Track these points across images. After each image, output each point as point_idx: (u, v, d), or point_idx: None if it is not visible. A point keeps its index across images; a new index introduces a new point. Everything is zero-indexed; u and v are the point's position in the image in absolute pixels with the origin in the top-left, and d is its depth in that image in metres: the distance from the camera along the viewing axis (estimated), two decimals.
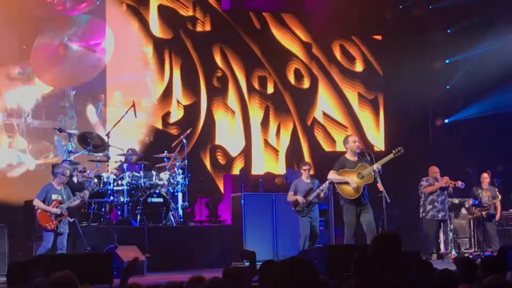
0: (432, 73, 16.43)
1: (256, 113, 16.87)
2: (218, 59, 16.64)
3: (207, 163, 16.28)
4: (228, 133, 16.69)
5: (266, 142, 16.84)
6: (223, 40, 16.69)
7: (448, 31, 16.95)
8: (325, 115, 17.35)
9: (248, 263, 9.97)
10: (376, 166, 10.61)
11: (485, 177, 14.08)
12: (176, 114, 16.10)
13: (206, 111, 16.41)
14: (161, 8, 16.23)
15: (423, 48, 16.65)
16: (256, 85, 16.91)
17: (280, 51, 17.11)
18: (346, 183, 10.71)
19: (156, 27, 16.13)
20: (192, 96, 16.25)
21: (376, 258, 4.72)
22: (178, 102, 16.12)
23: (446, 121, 17.18)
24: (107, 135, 13.16)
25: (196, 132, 15.99)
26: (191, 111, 16.11)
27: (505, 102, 15.73)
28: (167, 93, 16.12)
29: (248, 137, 16.71)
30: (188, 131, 13.89)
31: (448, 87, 16.92)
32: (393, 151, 10.75)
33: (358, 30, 17.31)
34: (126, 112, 13.54)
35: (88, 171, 12.66)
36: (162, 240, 12.05)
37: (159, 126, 15.90)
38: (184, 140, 13.43)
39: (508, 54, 15.49)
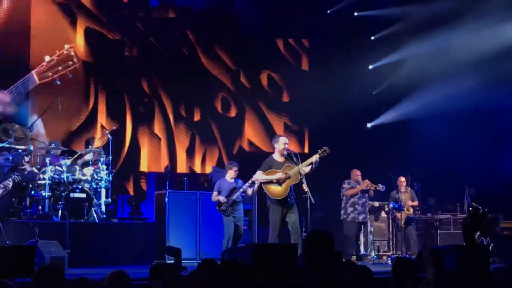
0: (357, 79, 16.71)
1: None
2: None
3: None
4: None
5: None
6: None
7: (372, 38, 17.32)
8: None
9: (171, 261, 9.96)
10: (303, 166, 10.73)
11: (402, 180, 14.41)
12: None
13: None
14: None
15: (349, 53, 16.91)
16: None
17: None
18: (273, 182, 10.80)
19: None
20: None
21: (309, 255, 4.80)
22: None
23: (369, 125, 17.53)
24: (30, 127, 12.85)
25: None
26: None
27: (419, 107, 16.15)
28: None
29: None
30: (114, 127, 13.69)
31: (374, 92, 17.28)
32: (319, 150, 10.88)
33: (286, 32, 17.51)
34: (50, 105, 13.24)
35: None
36: (84, 236, 11.85)
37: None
38: (109, 136, 13.25)
39: (425, 61, 15.93)
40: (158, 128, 16.57)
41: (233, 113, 17.44)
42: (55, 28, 15.24)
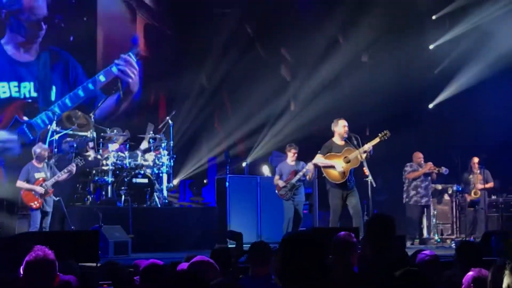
0: None
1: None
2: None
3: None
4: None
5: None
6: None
7: (433, 17, 16.99)
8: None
9: (233, 245, 10.02)
10: (363, 149, 10.62)
11: (476, 161, 14.14)
12: None
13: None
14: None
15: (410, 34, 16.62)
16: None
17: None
18: (332, 167, 10.71)
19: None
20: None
21: (370, 238, 4.74)
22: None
23: (431, 106, 17.22)
24: (92, 114, 13.06)
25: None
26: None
27: None
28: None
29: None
30: (174, 112, 13.78)
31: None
32: (379, 134, 10.72)
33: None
34: (112, 93, 13.45)
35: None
36: (147, 221, 11.99)
37: None
38: (170, 122, 13.35)
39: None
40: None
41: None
42: None
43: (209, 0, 17.03)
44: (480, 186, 14.00)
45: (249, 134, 16.20)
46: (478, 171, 14.13)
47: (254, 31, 16.79)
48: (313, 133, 14.65)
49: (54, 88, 14.95)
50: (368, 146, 10.62)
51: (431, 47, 17.11)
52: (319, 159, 10.88)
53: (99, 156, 12.57)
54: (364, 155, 10.60)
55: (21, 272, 4.14)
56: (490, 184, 14.19)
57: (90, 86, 15.04)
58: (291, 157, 12.21)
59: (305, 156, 12.16)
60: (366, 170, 10.65)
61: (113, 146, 12.65)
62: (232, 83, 16.52)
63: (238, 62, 16.09)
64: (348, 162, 10.68)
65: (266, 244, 5.81)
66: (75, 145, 12.56)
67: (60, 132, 12.51)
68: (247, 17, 16.71)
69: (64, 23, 15.22)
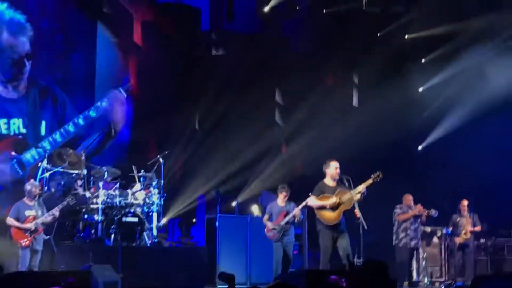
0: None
1: None
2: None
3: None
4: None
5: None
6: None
7: (423, 60, 17.20)
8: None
9: (223, 286, 9.96)
10: (357, 190, 10.62)
11: (465, 204, 14.21)
12: None
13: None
14: None
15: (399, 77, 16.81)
16: None
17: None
18: (326, 208, 10.71)
19: None
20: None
21: (362, 284, 4.75)
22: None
23: (420, 148, 17.35)
24: (83, 152, 13.06)
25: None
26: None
27: None
28: None
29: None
30: (166, 152, 13.78)
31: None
32: (372, 175, 10.70)
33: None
34: (104, 132, 13.47)
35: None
36: (136, 260, 11.91)
37: None
38: (161, 160, 13.34)
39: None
40: None
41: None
42: None
43: (203, 42, 17.19)
44: (470, 228, 14.04)
45: (240, 173, 16.21)
46: (468, 214, 14.18)
47: (248, 74, 16.88)
48: (304, 176, 14.70)
49: (43, 123, 14.93)
50: (362, 187, 10.63)
51: (420, 90, 17.31)
52: (313, 201, 10.87)
53: (88, 194, 12.53)
54: (357, 196, 10.60)
55: None
56: (478, 228, 14.26)
57: (81, 121, 15.02)
58: (282, 198, 12.22)
59: (295, 198, 12.17)
60: (357, 212, 10.64)
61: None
62: (224, 125, 16.60)
63: (231, 104, 16.21)
64: (342, 203, 10.68)
65: None
66: (62, 183, 12.53)
67: (51, 170, 12.48)
68: (241, 59, 16.83)
69: (53, 59, 15.28)
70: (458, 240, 14.04)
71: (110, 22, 16.09)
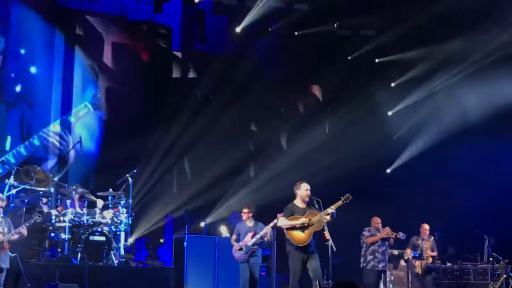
0: None
1: None
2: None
3: None
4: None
5: None
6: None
7: (392, 84, 17.39)
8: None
9: None
10: (327, 211, 10.61)
11: (426, 228, 14.24)
12: None
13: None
14: None
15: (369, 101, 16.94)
16: None
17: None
18: (296, 228, 10.67)
19: None
20: None
21: None
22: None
23: (388, 170, 17.48)
24: (52, 170, 12.93)
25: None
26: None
27: None
28: None
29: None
30: (135, 171, 13.70)
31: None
32: (342, 197, 10.67)
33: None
34: (73, 146, 13.34)
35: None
36: (103, 279, 11.77)
37: None
38: (130, 179, 13.25)
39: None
40: None
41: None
42: None
43: (174, 62, 17.18)
44: (430, 252, 14.07)
45: (209, 193, 16.17)
46: (428, 238, 14.24)
47: (222, 100, 16.88)
48: (276, 200, 14.70)
49: (9, 138, 14.78)
50: (331, 209, 10.62)
51: (389, 113, 17.47)
52: (282, 221, 10.83)
53: (55, 212, 12.37)
54: (327, 218, 10.59)
55: None
56: (435, 253, 14.26)
57: (45, 135, 14.92)
58: (245, 218, 12.24)
59: (265, 220, 12.16)
60: (326, 233, 10.55)
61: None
62: (194, 149, 16.57)
63: (203, 128, 16.22)
64: (312, 224, 10.65)
65: None
66: (26, 201, 12.35)
67: (18, 187, 12.32)
68: (215, 85, 16.84)
69: (19, 74, 15.17)
70: (423, 263, 14.01)
71: (83, 42, 16.06)
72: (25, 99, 15.20)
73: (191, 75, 17.42)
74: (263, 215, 12.45)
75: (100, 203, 12.92)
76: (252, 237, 11.99)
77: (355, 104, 16.56)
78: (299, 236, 10.66)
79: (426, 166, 16.52)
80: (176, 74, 17.40)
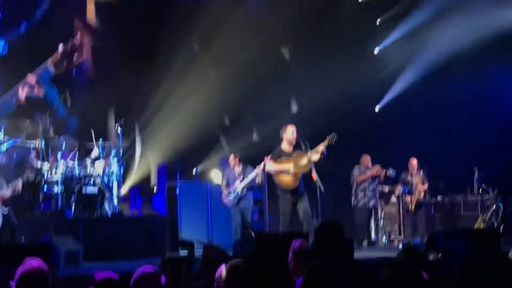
0: None
1: None
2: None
3: None
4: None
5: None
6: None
7: (377, 21, 17.29)
8: None
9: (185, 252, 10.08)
10: (316, 150, 10.66)
11: (414, 163, 14.27)
12: None
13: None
14: None
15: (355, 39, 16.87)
16: None
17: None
18: (284, 172, 10.79)
19: None
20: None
21: (319, 246, 4.86)
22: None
23: (377, 108, 17.52)
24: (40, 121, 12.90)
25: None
26: None
27: None
28: None
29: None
30: (122, 120, 13.66)
31: None
32: (327, 137, 10.73)
33: None
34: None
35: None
36: (97, 230, 11.90)
37: None
38: (120, 129, 13.28)
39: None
40: None
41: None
42: None
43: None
44: (420, 187, 14.15)
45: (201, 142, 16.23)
46: (417, 172, 14.28)
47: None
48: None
49: None
50: (321, 147, 10.67)
51: (376, 51, 17.42)
52: (270, 166, 10.93)
53: (46, 167, 12.40)
54: (317, 156, 10.63)
55: (13, 285, 4.08)
56: (425, 186, 14.32)
57: None
58: (233, 164, 12.38)
59: (253, 164, 12.27)
60: (314, 175, 10.63)
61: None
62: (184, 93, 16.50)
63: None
64: (299, 167, 10.74)
65: (218, 249, 5.86)
66: (14, 156, 12.37)
67: (7, 142, 12.32)
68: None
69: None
70: (413, 198, 14.14)
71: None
72: None
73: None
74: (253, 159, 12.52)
75: (95, 151, 12.99)
76: (240, 182, 12.13)
77: (340, 44, 16.46)
78: (287, 180, 10.78)
79: (414, 102, 16.53)
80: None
